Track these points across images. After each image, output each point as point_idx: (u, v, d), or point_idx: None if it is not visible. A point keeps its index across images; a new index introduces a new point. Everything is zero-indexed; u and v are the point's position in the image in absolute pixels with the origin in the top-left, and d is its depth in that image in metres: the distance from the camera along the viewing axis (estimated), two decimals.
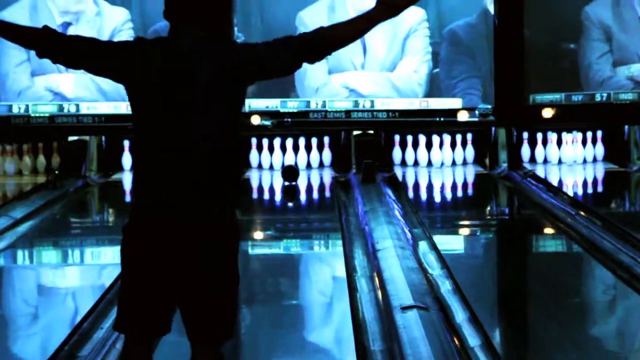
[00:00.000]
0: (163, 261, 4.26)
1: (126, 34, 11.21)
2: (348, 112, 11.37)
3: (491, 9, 11.33)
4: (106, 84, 10.98)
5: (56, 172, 11.84)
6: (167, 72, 4.26)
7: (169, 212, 4.25)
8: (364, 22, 4.47)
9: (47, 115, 11.35)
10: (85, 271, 8.27)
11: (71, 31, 10.91)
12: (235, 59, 4.35)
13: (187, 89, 4.25)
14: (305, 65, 4.37)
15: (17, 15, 10.90)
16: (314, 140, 12.14)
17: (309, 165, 12.23)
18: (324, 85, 11.11)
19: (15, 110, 11.37)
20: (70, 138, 11.83)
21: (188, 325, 4.37)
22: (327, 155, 12.25)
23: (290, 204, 10.93)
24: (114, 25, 11.27)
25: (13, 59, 11.26)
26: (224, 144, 4.31)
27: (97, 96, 11.27)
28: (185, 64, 4.27)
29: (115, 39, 10.86)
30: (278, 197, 11.18)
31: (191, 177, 4.25)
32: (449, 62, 11.41)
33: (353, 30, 4.47)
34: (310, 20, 10.88)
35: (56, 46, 4.42)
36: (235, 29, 11.19)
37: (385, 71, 11.26)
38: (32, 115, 11.36)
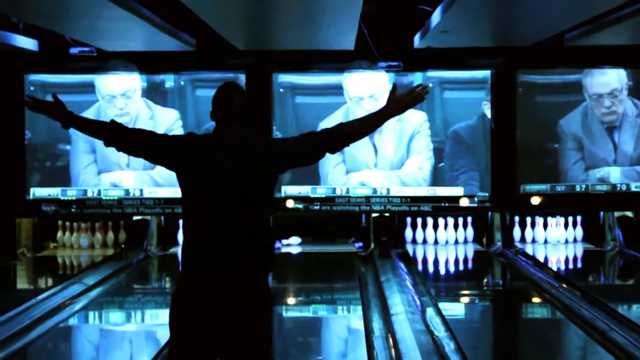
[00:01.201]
0: (203, 323, 4.26)
1: (177, 131, 11.25)
2: (367, 198, 11.36)
3: (488, 113, 11.37)
4: (160, 178, 11.02)
5: (122, 246, 11.88)
6: (210, 163, 4.28)
7: (209, 278, 4.24)
8: (377, 118, 4.45)
9: (115, 198, 11.41)
10: (144, 330, 8.25)
11: None
12: (268, 151, 4.37)
13: (226, 176, 4.26)
14: (327, 167, 4.37)
15: None
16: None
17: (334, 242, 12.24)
18: (344, 184, 11.13)
19: (89, 194, 11.45)
20: (135, 217, 11.85)
21: None
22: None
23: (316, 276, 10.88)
24: (167, 125, 11.31)
25: (83, 161, 11.39)
26: (257, 222, 4.30)
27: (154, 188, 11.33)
28: (225, 156, 4.29)
29: None
30: (308, 268, 11.14)
31: (229, 250, 4.26)
32: (452, 157, 11.42)
33: (368, 124, 4.46)
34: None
35: (120, 137, 4.45)
36: (274, 127, 11.25)
37: (395, 169, 11.27)
38: (104, 198, 11.42)
